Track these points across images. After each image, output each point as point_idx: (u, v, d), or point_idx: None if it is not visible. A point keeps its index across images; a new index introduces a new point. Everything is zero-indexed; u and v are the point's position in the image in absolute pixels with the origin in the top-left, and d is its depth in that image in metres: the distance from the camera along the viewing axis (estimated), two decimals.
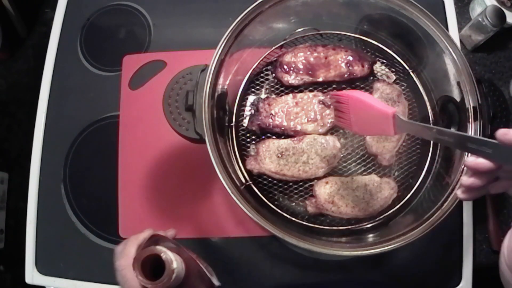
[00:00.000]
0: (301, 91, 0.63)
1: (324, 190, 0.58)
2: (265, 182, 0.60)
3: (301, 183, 0.60)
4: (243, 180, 0.58)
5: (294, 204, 0.60)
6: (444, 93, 0.59)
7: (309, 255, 0.66)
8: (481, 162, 0.36)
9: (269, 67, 0.65)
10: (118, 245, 0.48)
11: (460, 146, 0.39)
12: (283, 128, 0.60)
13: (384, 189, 0.58)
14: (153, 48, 0.76)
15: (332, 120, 0.59)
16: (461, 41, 0.81)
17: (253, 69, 0.64)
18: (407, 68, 0.63)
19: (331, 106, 0.60)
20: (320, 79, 0.62)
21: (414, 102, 0.64)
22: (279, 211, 0.58)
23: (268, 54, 0.64)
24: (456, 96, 0.56)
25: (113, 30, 0.79)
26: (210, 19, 0.77)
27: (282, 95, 0.62)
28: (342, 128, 0.59)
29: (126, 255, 0.45)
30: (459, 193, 0.40)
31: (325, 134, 0.60)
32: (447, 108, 0.58)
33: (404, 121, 0.43)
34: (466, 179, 0.38)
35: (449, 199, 0.50)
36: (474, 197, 0.40)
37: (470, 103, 0.52)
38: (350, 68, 0.61)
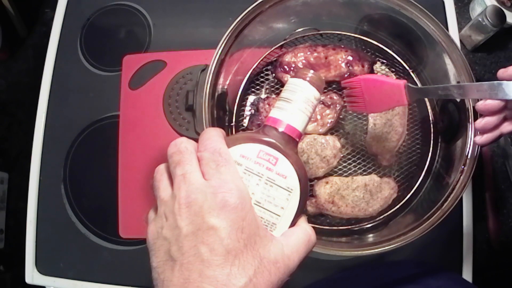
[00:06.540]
0: None
1: (324, 190, 0.58)
2: None
3: None
4: None
5: None
6: None
7: (309, 255, 0.66)
8: (489, 102, 0.41)
9: (269, 67, 0.65)
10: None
11: (468, 95, 0.43)
12: None
13: (384, 189, 0.58)
14: (153, 48, 0.76)
15: (332, 120, 0.59)
16: (461, 41, 0.81)
17: (253, 69, 0.64)
18: (407, 68, 0.63)
19: (331, 106, 0.60)
20: None
21: (414, 102, 0.63)
22: None
23: (268, 54, 0.64)
24: None
25: (113, 30, 0.79)
26: (210, 19, 0.77)
27: None
28: (357, 112, 0.61)
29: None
30: (477, 139, 0.45)
31: (325, 134, 0.60)
32: (447, 108, 0.58)
33: (414, 88, 0.47)
34: (479, 122, 0.43)
35: (449, 199, 0.50)
36: (491, 139, 0.43)
37: (470, 103, 0.52)
38: (350, 68, 0.61)
